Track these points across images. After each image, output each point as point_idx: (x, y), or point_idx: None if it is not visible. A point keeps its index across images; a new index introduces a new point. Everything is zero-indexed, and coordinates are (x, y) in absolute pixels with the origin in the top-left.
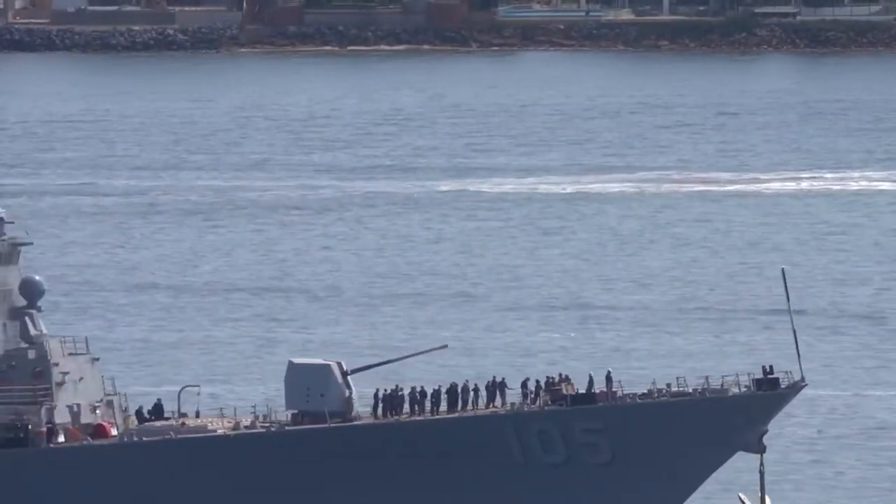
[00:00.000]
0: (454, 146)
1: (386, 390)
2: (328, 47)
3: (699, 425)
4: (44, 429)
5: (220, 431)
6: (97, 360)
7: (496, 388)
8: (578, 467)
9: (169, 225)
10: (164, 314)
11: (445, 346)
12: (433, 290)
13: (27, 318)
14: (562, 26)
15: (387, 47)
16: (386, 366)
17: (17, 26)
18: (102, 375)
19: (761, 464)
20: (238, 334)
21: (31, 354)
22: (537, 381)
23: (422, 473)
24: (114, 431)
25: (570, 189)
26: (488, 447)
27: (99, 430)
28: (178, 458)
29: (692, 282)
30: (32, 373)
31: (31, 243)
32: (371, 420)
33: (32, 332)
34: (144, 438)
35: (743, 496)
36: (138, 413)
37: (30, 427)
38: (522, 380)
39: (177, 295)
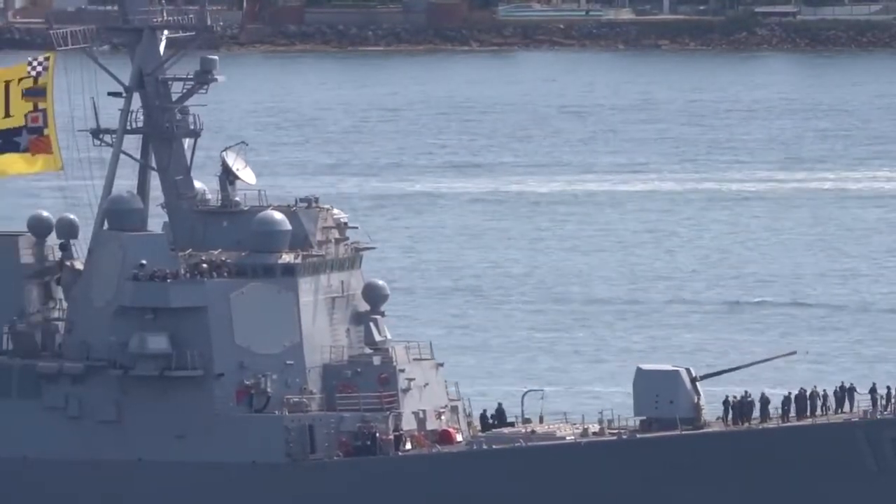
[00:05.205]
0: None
1: (735, 397)
2: (328, 46)
3: None
4: (391, 436)
5: (568, 439)
6: (441, 365)
7: (845, 393)
8: None
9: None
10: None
11: (794, 353)
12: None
13: (371, 324)
14: (562, 26)
15: (387, 46)
16: (734, 372)
17: (17, 26)
18: (445, 380)
19: None
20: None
21: (377, 360)
22: (888, 388)
23: (772, 481)
24: (458, 437)
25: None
26: (840, 454)
27: (444, 437)
28: (528, 466)
29: None
30: (378, 379)
31: (375, 247)
32: (721, 427)
33: (377, 337)
34: (494, 446)
35: None
36: (482, 418)
37: (377, 434)
38: (871, 385)
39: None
